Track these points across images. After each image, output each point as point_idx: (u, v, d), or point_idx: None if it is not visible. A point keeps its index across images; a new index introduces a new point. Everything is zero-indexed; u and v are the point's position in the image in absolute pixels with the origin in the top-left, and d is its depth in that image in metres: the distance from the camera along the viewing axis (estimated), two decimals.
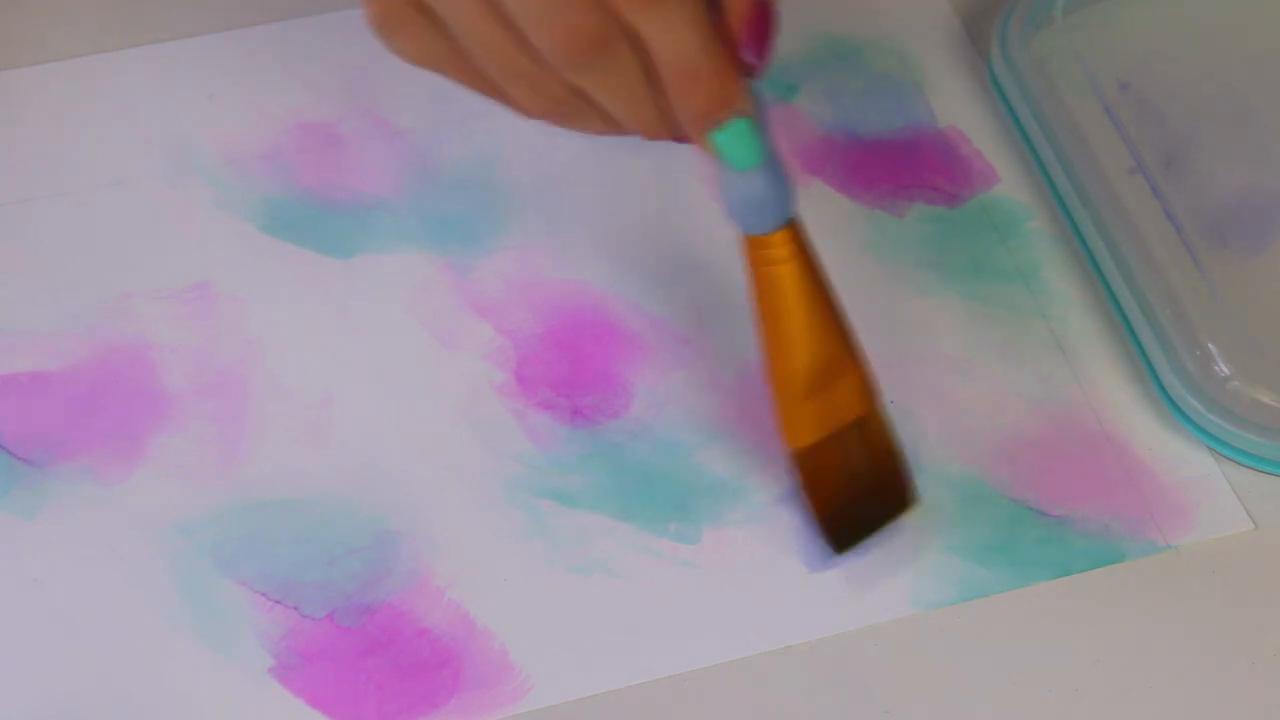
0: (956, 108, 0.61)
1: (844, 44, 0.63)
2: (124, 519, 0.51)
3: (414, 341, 0.55)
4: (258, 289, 0.56)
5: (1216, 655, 0.49)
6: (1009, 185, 0.59)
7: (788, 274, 0.46)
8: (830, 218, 0.58)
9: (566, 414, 0.53)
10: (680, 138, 0.44)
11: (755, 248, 0.46)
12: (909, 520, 0.50)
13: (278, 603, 0.49)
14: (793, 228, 0.46)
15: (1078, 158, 0.56)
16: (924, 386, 0.54)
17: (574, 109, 0.43)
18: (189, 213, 0.58)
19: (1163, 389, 0.53)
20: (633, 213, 0.58)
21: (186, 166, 0.59)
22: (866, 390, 0.48)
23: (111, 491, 0.51)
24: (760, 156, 0.43)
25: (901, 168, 0.59)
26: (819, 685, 0.48)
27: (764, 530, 0.51)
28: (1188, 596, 0.50)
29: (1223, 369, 0.52)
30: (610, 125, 0.44)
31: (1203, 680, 0.49)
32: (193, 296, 0.56)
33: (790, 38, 0.63)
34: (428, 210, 0.58)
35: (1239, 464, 0.53)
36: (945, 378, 0.54)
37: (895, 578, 0.50)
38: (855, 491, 0.49)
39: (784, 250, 0.46)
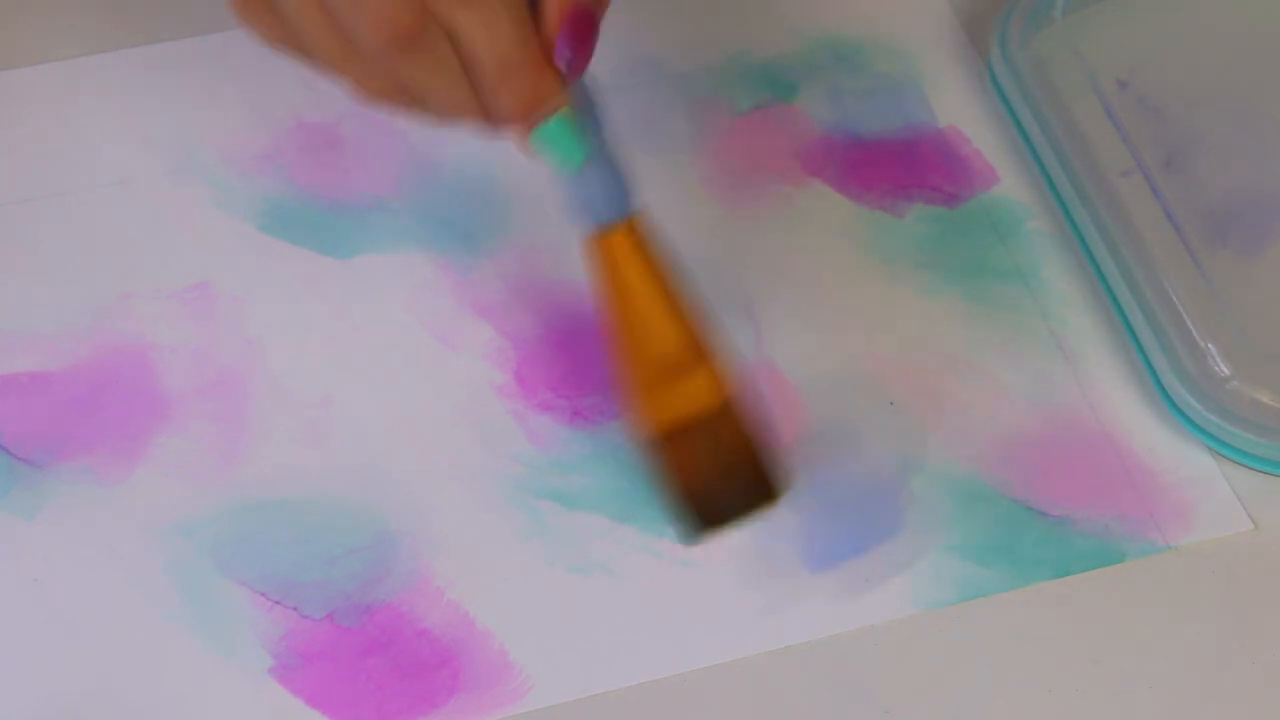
0: (956, 108, 0.61)
1: (844, 44, 0.63)
2: (124, 519, 0.51)
3: (414, 342, 0.55)
4: (258, 289, 0.56)
5: (1216, 655, 0.49)
6: (1009, 185, 0.59)
7: (630, 267, 0.46)
8: (830, 218, 0.58)
9: (566, 415, 0.53)
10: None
11: (595, 241, 0.46)
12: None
13: (277, 603, 0.49)
14: (631, 223, 0.46)
15: (1078, 158, 0.56)
16: (924, 386, 0.54)
17: (403, 99, 0.44)
18: (189, 213, 0.58)
19: (1163, 389, 0.53)
20: None
21: (186, 166, 0.59)
22: (719, 384, 0.48)
23: (111, 491, 0.51)
24: (582, 155, 0.44)
25: (901, 168, 0.59)
26: (819, 685, 0.48)
27: (764, 530, 0.51)
28: (1188, 596, 0.50)
29: (1223, 369, 0.52)
30: (440, 116, 0.44)
31: (1203, 680, 0.49)
32: (193, 296, 0.56)
33: (790, 38, 0.63)
34: (428, 210, 0.58)
35: (1239, 464, 0.53)
36: (945, 378, 0.54)
37: (895, 578, 0.50)
38: (712, 479, 0.48)
39: (624, 245, 0.46)
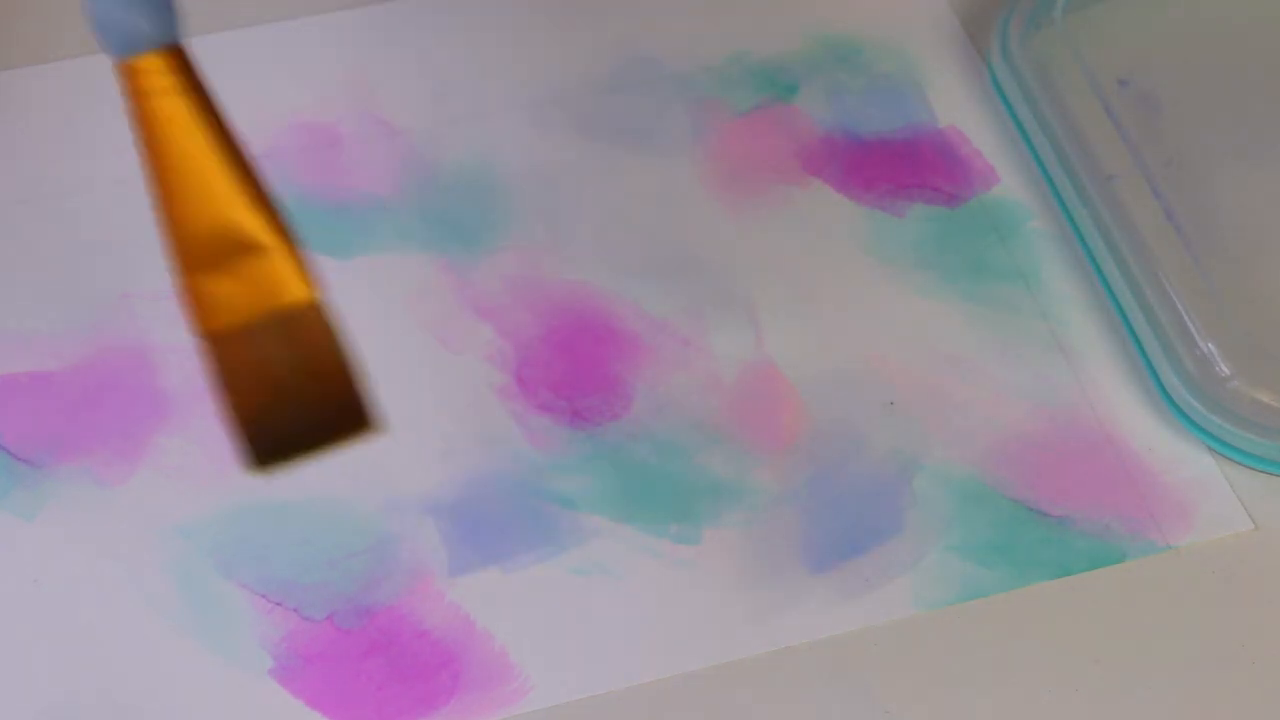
0: (956, 108, 0.61)
1: (844, 44, 0.63)
2: (124, 520, 0.51)
3: (414, 343, 0.55)
4: None
5: (1216, 655, 0.49)
6: (1009, 185, 0.59)
7: (167, 109, 0.38)
8: (830, 218, 0.58)
9: (567, 416, 0.53)
10: None
11: (128, 77, 0.38)
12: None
13: (278, 604, 0.49)
14: (174, 53, 0.38)
15: (1078, 158, 0.56)
16: (924, 386, 0.54)
17: None
18: None
19: (1163, 389, 0.53)
20: (633, 213, 0.58)
21: None
22: (297, 275, 0.39)
23: (112, 492, 0.51)
24: None
25: (901, 168, 0.59)
26: (819, 685, 0.48)
27: (764, 530, 0.51)
28: (1188, 596, 0.50)
29: (1223, 369, 0.52)
30: None
31: (1203, 680, 0.49)
32: None
33: (790, 38, 0.63)
34: (428, 210, 0.58)
35: (1239, 464, 0.53)
36: (945, 378, 0.54)
37: (895, 578, 0.50)
38: (284, 397, 0.39)
39: (161, 81, 0.38)
